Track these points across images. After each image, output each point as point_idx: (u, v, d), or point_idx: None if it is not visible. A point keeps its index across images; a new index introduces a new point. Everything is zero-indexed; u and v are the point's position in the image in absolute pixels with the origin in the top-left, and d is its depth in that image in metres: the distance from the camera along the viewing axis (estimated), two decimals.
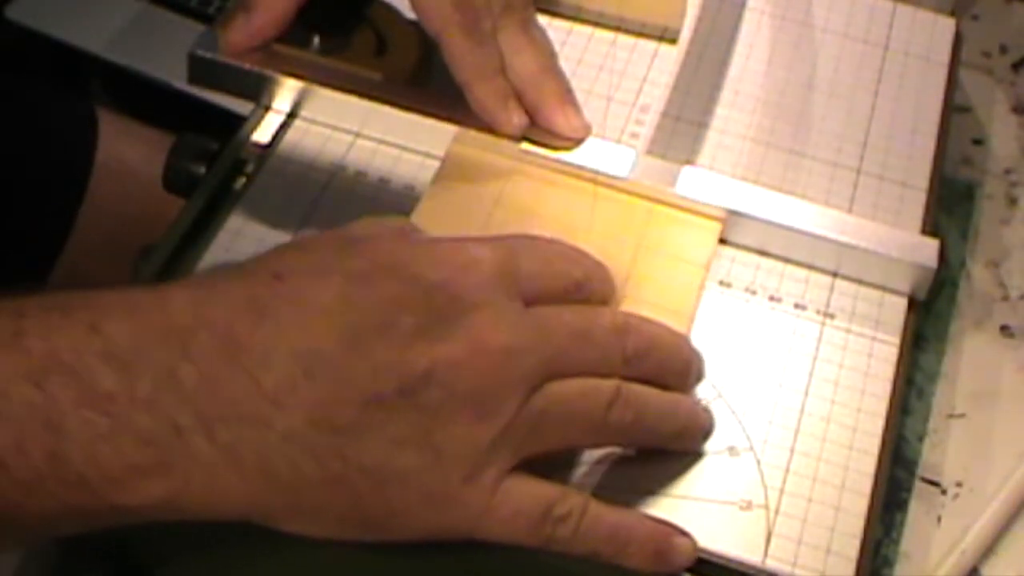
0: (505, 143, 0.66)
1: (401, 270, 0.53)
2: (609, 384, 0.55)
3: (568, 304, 0.56)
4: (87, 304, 0.51)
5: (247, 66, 0.68)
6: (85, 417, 0.49)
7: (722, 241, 0.66)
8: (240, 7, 0.67)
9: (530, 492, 0.53)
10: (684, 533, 0.55)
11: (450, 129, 0.67)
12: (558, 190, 0.66)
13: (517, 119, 0.65)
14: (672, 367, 0.58)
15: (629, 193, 0.66)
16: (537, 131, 0.66)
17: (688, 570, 0.56)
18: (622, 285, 0.60)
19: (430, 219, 0.63)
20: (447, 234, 0.56)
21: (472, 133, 0.66)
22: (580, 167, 0.66)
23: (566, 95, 0.66)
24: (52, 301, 0.52)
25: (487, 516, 0.53)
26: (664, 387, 0.57)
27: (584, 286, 0.57)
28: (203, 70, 0.68)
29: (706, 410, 0.59)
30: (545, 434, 0.54)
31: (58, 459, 0.49)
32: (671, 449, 0.58)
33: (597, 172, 0.66)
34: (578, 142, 0.66)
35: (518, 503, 0.53)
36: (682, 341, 0.59)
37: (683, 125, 0.71)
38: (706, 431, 0.59)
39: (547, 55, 0.67)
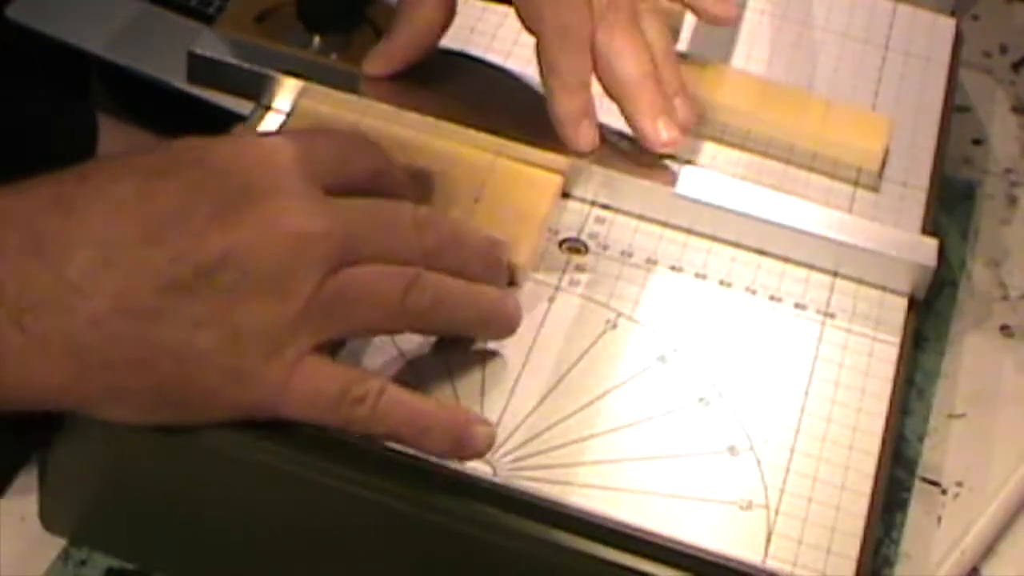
0: (355, 100, 0.67)
1: (200, 163, 0.55)
2: (409, 270, 0.56)
3: (368, 196, 0.57)
4: None
5: (247, 65, 0.68)
6: None
7: (716, 239, 0.66)
8: (384, 36, 0.68)
9: (329, 373, 0.55)
10: (485, 422, 0.57)
11: (450, 126, 0.67)
12: (402, 144, 0.66)
13: (585, 141, 0.66)
14: (475, 262, 0.59)
15: (475, 146, 0.66)
16: (617, 157, 0.66)
17: (688, 570, 0.56)
18: None
19: None
20: None
21: (320, 88, 0.67)
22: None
23: (662, 104, 0.66)
24: None
25: (286, 394, 0.54)
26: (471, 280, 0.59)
27: (382, 176, 0.59)
28: (203, 68, 0.69)
29: (515, 301, 0.60)
30: (343, 315, 0.55)
31: None
32: (478, 338, 0.60)
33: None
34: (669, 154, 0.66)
35: (316, 382, 0.55)
36: (485, 238, 0.60)
37: None
38: (512, 323, 0.60)
39: (648, 59, 0.65)
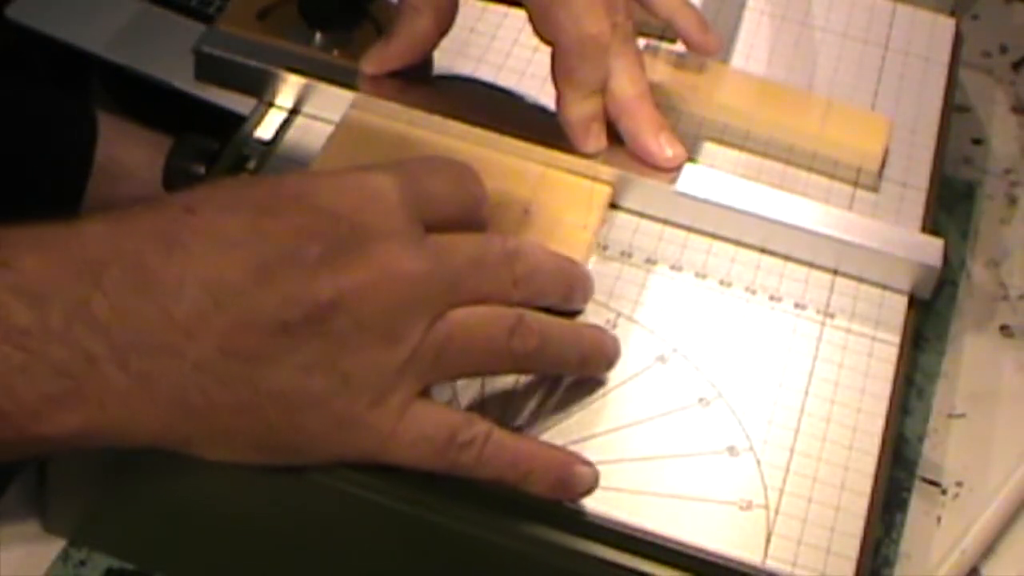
0: (402, 110, 0.67)
1: (306, 200, 0.54)
2: (512, 311, 0.56)
3: (463, 229, 0.57)
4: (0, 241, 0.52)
5: (252, 62, 0.68)
6: (1, 351, 0.50)
7: (723, 239, 0.66)
8: (382, 35, 0.68)
9: (435, 418, 0.54)
10: (587, 463, 0.56)
11: (450, 124, 0.67)
12: (450, 154, 0.65)
13: (594, 144, 0.66)
14: (558, 285, 0.59)
15: (519, 156, 0.66)
16: (623, 155, 0.66)
17: (688, 570, 0.56)
18: None
19: None
20: None
21: (368, 99, 0.67)
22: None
23: (661, 120, 0.66)
24: None
25: (393, 440, 0.54)
26: (553, 307, 0.59)
27: (478, 209, 0.58)
28: (209, 66, 0.69)
29: (614, 338, 0.60)
30: (450, 360, 0.55)
31: None
32: (578, 376, 0.60)
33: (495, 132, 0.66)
34: (675, 171, 0.66)
35: (423, 428, 0.54)
36: (566, 263, 0.60)
37: (684, 123, 0.70)
38: (611, 359, 0.60)
39: (644, 78, 0.66)
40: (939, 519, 0.66)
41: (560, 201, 0.65)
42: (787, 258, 0.66)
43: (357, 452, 0.54)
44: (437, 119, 0.67)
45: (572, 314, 0.61)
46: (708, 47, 0.71)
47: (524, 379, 0.60)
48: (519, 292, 0.57)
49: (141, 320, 0.51)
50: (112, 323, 0.51)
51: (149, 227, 0.53)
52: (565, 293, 0.60)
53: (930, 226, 0.68)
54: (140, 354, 0.51)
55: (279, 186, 0.55)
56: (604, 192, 0.66)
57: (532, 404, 0.59)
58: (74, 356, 0.51)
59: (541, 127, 0.67)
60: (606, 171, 0.66)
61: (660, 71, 0.71)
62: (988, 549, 0.64)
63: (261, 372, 0.52)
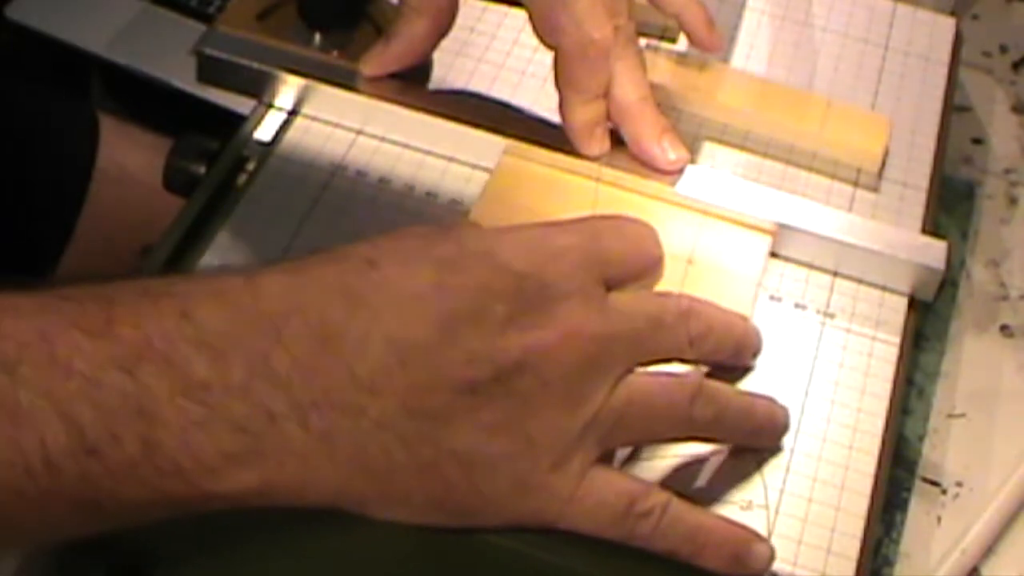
0: (558, 157, 0.66)
1: (490, 257, 0.53)
2: (691, 379, 0.56)
3: (641, 289, 0.57)
4: (177, 291, 0.51)
5: (253, 63, 0.68)
6: (179, 405, 0.49)
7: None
8: (382, 37, 0.68)
9: (615, 485, 0.54)
10: (763, 539, 0.55)
11: (452, 126, 0.67)
12: (608, 202, 0.65)
13: (598, 148, 0.66)
14: (728, 346, 0.59)
15: (680, 205, 0.66)
16: (625, 158, 0.66)
17: (689, 570, 0.55)
18: None
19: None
20: None
21: (523, 146, 0.66)
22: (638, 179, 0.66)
23: (664, 123, 0.66)
24: (142, 288, 0.51)
25: (572, 505, 0.53)
26: (722, 364, 0.59)
27: (656, 268, 0.58)
28: (210, 68, 0.69)
29: (784, 410, 0.59)
30: (630, 425, 0.54)
31: (152, 447, 0.49)
32: (750, 446, 0.59)
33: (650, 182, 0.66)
34: (677, 173, 0.66)
35: (602, 495, 0.54)
36: (737, 320, 0.60)
37: (684, 123, 0.71)
38: (781, 432, 0.59)
39: (645, 83, 0.66)
40: (939, 519, 0.66)
41: (722, 251, 0.64)
42: (787, 259, 0.66)
43: (533, 516, 0.53)
44: (592, 165, 0.66)
45: (742, 370, 0.61)
46: (712, 45, 0.71)
47: None
48: (694, 351, 0.56)
49: (323, 376, 0.50)
50: (293, 379, 0.50)
51: (331, 280, 0.52)
52: (736, 351, 0.59)
53: (930, 226, 0.68)
54: (321, 411, 0.50)
55: (462, 241, 0.54)
56: (766, 241, 0.65)
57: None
58: (254, 412, 0.50)
59: (541, 131, 0.67)
60: (767, 221, 0.65)
61: (660, 71, 0.71)
62: (988, 549, 0.64)
63: (444, 431, 0.51)
